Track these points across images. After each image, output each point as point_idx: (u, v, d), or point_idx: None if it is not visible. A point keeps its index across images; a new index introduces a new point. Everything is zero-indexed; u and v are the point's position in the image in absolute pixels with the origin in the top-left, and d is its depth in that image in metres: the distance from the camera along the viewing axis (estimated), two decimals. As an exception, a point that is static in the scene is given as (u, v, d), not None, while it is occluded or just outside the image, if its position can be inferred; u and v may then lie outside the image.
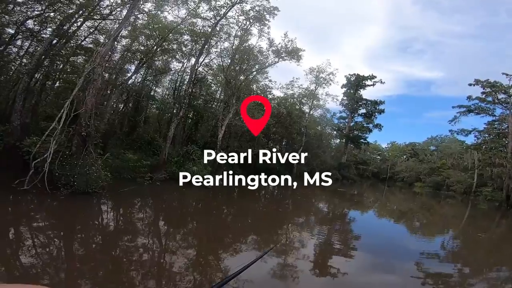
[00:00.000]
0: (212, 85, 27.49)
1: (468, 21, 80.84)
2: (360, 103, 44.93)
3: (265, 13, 19.82)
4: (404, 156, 65.31)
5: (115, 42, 16.64)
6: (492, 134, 32.13)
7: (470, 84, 30.54)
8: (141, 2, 17.50)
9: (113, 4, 16.27)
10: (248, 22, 20.15)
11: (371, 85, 43.58)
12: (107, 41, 11.87)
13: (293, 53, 21.84)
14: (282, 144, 36.11)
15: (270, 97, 31.02)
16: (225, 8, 18.81)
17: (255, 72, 25.81)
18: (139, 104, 22.69)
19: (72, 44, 16.34)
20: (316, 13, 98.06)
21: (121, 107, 24.65)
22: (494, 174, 30.47)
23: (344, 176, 41.19)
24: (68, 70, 17.90)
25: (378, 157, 71.96)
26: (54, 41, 14.03)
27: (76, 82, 11.17)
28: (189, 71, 22.75)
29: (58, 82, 18.44)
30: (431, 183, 47.76)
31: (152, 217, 8.95)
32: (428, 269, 6.11)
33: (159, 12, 18.59)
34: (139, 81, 23.70)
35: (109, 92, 17.74)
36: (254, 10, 19.37)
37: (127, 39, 19.93)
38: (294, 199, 18.94)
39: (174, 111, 21.25)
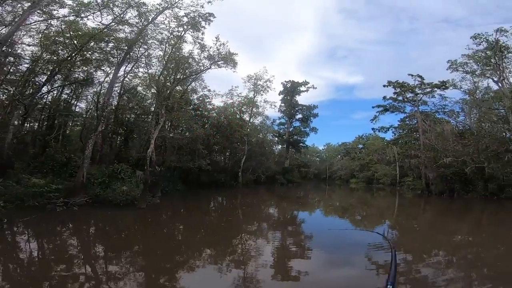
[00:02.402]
0: (147, 97, 25.57)
1: (380, 28, 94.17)
2: (296, 109, 47.60)
3: (200, 20, 19.32)
4: (339, 156, 71.39)
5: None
6: (406, 129, 37.27)
7: (384, 86, 35.07)
8: (55, 8, 15.38)
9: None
10: (182, 29, 19.37)
11: (305, 91, 46.72)
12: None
13: (227, 59, 21.64)
14: (226, 154, 35.61)
15: (210, 107, 30.43)
16: (154, 13, 17.70)
17: (191, 81, 24.98)
18: (55, 121, 19.62)
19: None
20: (253, 22, 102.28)
21: (35, 126, 21.02)
22: (412, 165, 35.08)
23: (289, 180, 42.61)
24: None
25: (317, 158, 77.25)
26: None
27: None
28: (117, 82, 20.76)
29: None
30: (364, 178, 52.95)
31: (49, 248, 7.32)
32: (378, 260, 6.40)
33: (78, 19, 16.59)
34: (54, 95, 20.61)
35: (10, 109, 14.75)
36: (188, 16, 18.72)
37: (35, 47, 17.16)
38: (244, 208, 18.48)
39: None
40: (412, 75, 33.21)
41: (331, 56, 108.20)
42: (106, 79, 20.83)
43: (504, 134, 22.84)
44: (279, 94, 47.00)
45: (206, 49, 20.61)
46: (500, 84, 23.37)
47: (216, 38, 20.72)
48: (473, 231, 10.91)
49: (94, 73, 20.61)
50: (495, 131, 23.43)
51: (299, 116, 48.14)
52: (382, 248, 7.39)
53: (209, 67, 21.62)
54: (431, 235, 10.16)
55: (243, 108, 36.24)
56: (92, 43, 17.48)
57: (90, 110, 22.79)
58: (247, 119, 36.75)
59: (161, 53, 20.22)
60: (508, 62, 23.39)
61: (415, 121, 33.56)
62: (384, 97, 35.90)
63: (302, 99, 52.86)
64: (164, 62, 19.91)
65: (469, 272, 5.90)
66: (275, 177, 40.78)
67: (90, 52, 18.42)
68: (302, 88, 46.54)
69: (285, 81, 47.56)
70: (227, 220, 13.13)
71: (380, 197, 30.28)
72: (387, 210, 19.58)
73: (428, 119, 31.12)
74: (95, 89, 22.09)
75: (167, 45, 19.60)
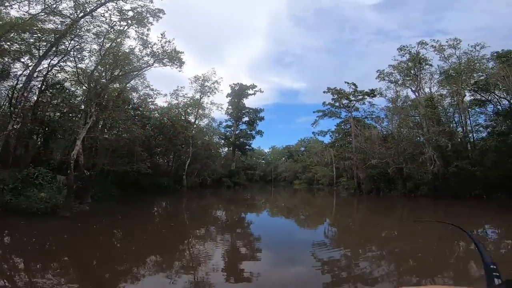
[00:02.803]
0: (78, 94, 22.56)
1: (325, 36, 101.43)
2: (243, 112, 48.09)
3: (148, 15, 17.93)
4: (283, 158, 74.69)
5: None
6: (341, 133, 40.89)
7: (324, 92, 37.92)
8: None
9: None
10: (125, 23, 17.66)
11: (252, 94, 47.52)
12: None
13: (173, 57, 20.60)
14: (170, 156, 33.82)
15: (152, 107, 28.50)
16: (94, 5, 15.73)
17: (131, 79, 23.02)
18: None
19: None
20: (205, 24, 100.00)
21: None
22: (346, 166, 38.64)
23: (236, 183, 42.63)
24: None
25: (263, 161, 79.38)
26: None
27: None
28: (39, 76, 17.87)
29: None
30: (306, 179, 56.29)
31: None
32: (322, 257, 6.78)
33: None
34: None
35: None
36: (135, 10, 17.17)
37: None
38: (190, 212, 17.65)
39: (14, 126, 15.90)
40: (348, 83, 36.64)
41: (278, 61, 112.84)
42: (25, 72, 17.79)
43: (418, 138, 26.76)
44: (226, 97, 46.93)
45: (149, 45, 19.29)
46: (417, 94, 27.42)
47: (161, 34, 19.59)
48: (396, 226, 12.39)
49: (11, 65, 17.47)
50: (411, 135, 27.31)
51: (245, 119, 48.73)
52: (325, 247, 7.84)
53: (152, 64, 20.30)
54: (363, 231, 11.21)
55: (188, 110, 35.03)
56: (12, 34, 14.82)
57: (3, 107, 19.10)
58: (193, 120, 35.65)
59: (96, 47, 18.20)
60: (424, 73, 27.52)
61: (349, 126, 36.99)
62: (324, 103, 38.78)
63: (249, 102, 53.78)
64: (100, 57, 17.94)
65: (398, 263, 6.63)
66: (222, 179, 40.37)
67: (9, 43, 15.59)
68: (250, 91, 47.29)
69: (234, 84, 47.74)
70: (172, 225, 12.36)
71: (320, 197, 32.48)
72: (326, 209, 21.10)
73: (359, 124, 34.77)
74: (11, 83, 18.67)
75: (105, 39, 17.72)
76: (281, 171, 69.91)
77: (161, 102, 32.45)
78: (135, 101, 26.38)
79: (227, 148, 50.63)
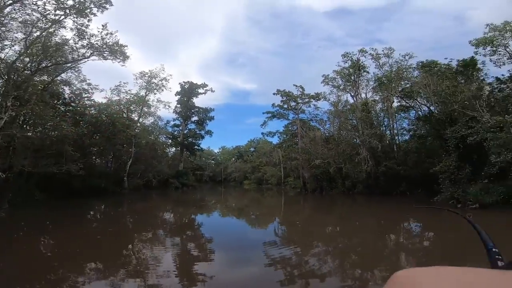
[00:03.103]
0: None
1: (278, 40, 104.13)
2: (193, 111, 46.62)
3: (91, 5, 15.97)
4: (233, 158, 74.72)
5: None
6: (288, 135, 42.71)
7: (274, 94, 39.08)
8: None
9: None
10: (62, 13, 15.45)
11: (203, 93, 46.36)
12: None
13: (116, 50, 18.90)
14: (109, 157, 30.86)
15: (88, 103, 25.63)
16: None
17: (62, 71, 20.31)
18: None
19: None
20: (159, 20, 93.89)
21: None
22: (293, 166, 40.46)
23: (184, 184, 41.06)
24: None
25: (213, 161, 78.24)
26: None
27: None
28: None
29: None
30: (255, 179, 57.30)
31: None
32: (274, 255, 6.93)
33: None
34: None
35: None
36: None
37: None
38: (132, 215, 16.26)
39: None
40: (296, 86, 38.33)
41: (232, 62, 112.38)
42: None
43: (355, 140, 29.44)
44: (175, 95, 44.97)
45: (86, 36, 17.39)
46: (355, 98, 30.15)
47: (103, 26, 17.83)
48: (338, 223, 13.37)
49: None
50: (349, 137, 29.92)
51: (195, 118, 47.36)
52: (276, 245, 8.05)
53: (88, 57, 18.39)
54: (310, 229, 11.82)
55: (131, 107, 32.51)
56: None
57: None
58: (136, 118, 33.20)
59: (21, 35, 15.71)
60: (362, 79, 30.31)
61: (296, 128, 38.83)
62: (273, 104, 39.98)
63: (199, 101, 52.46)
64: (26, 47, 15.51)
65: (342, 258, 7.14)
66: (169, 181, 38.43)
67: None
68: (200, 90, 46.11)
69: (184, 82, 45.99)
70: (111, 230, 11.25)
71: (269, 197, 33.38)
72: (275, 208, 21.77)
73: (305, 126, 36.80)
74: None
75: (33, 28, 15.39)
76: (231, 172, 69.82)
77: (100, 98, 29.45)
78: (66, 96, 23.42)
79: (174, 148, 48.52)
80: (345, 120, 30.19)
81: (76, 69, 21.71)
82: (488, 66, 19.32)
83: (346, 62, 30.10)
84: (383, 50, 28.32)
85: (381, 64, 28.37)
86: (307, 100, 38.12)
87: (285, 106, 39.21)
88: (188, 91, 45.54)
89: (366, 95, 30.82)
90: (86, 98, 25.09)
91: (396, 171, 23.29)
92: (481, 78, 19.89)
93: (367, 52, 29.18)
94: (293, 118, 39.79)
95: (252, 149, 69.21)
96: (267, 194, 36.86)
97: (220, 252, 7.75)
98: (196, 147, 48.43)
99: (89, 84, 24.25)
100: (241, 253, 7.60)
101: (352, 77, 30.00)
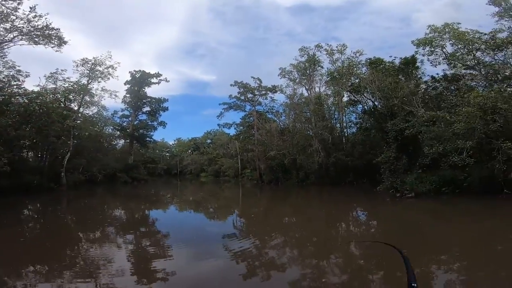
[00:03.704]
0: None
1: (239, 32, 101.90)
2: (144, 101, 43.66)
3: None
4: (189, 151, 72.38)
5: None
6: (245, 126, 42.74)
7: (231, 85, 38.61)
8: None
9: None
10: None
11: (156, 83, 43.51)
12: None
13: (49, 35, 16.59)
14: (45, 151, 27.27)
15: (17, 91, 22.17)
16: None
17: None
18: None
19: None
20: (110, 6, 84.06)
21: None
22: (249, 158, 40.75)
23: (134, 178, 38.51)
24: None
25: (167, 154, 74.76)
26: None
27: None
28: None
29: None
30: (212, 172, 56.43)
31: None
32: (234, 248, 6.92)
33: None
34: None
35: None
36: None
37: None
38: (72, 214, 14.62)
39: None
40: (254, 78, 38.41)
41: (191, 52, 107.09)
42: None
43: (308, 132, 30.71)
44: (125, 84, 41.49)
45: (9, 19, 14.93)
46: (309, 92, 31.36)
47: (31, 8, 15.46)
48: (293, 214, 13.79)
49: None
50: (303, 129, 31.11)
51: (147, 108, 44.43)
52: (235, 238, 8.01)
53: (11, 40, 15.94)
54: (267, 220, 12.06)
55: (70, 96, 29.02)
56: None
57: None
58: (76, 108, 29.81)
59: None
60: (316, 74, 31.61)
61: (252, 119, 39.06)
62: (230, 96, 39.54)
63: (152, 91, 49.28)
64: None
65: (300, 248, 7.38)
66: (116, 175, 35.59)
67: None
68: (154, 80, 43.21)
69: (135, 71, 42.54)
70: (48, 230, 10.03)
71: (227, 189, 33.25)
72: (233, 201, 21.77)
73: (261, 117, 37.18)
74: None
75: None
76: (187, 164, 67.69)
77: (32, 86, 25.60)
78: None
79: (123, 140, 45.03)
80: (299, 112, 31.23)
81: (1, 54, 18.70)
82: (426, 65, 21.49)
83: (302, 56, 31.16)
84: (337, 47, 29.85)
85: (334, 59, 29.82)
86: (264, 92, 38.50)
87: (242, 97, 39.16)
88: (140, 80, 42.42)
89: (319, 89, 32.31)
90: (15, 86, 21.78)
91: (345, 162, 24.95)
92: (419, 76, 22.12)
93: (322, 48, 30.54)
94: (250, 109, 39.97)
95: (208, 141, 67.81)
96: (224, 186, 36.64)
97: (179, 248, 7.42)
98: (148, 139, 45.60)
99: (18, 71, 21.17)
100: (201, 247, 7.41)
101: (308, 71, 31.11)
